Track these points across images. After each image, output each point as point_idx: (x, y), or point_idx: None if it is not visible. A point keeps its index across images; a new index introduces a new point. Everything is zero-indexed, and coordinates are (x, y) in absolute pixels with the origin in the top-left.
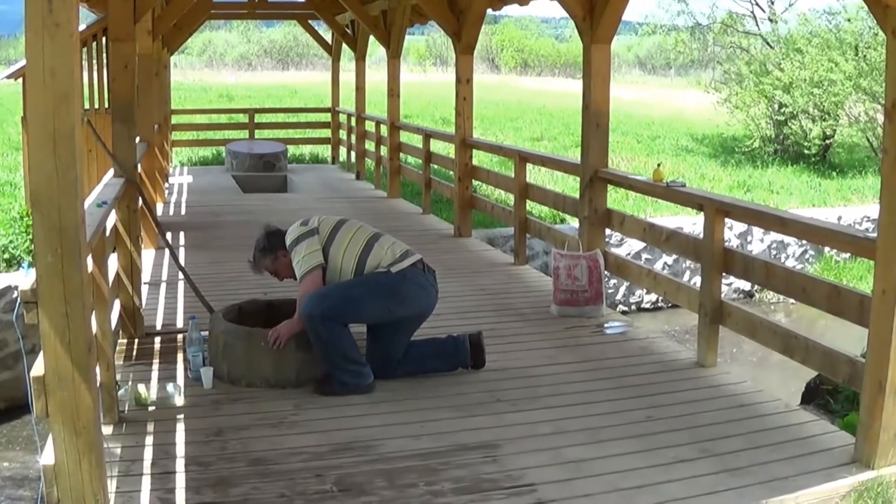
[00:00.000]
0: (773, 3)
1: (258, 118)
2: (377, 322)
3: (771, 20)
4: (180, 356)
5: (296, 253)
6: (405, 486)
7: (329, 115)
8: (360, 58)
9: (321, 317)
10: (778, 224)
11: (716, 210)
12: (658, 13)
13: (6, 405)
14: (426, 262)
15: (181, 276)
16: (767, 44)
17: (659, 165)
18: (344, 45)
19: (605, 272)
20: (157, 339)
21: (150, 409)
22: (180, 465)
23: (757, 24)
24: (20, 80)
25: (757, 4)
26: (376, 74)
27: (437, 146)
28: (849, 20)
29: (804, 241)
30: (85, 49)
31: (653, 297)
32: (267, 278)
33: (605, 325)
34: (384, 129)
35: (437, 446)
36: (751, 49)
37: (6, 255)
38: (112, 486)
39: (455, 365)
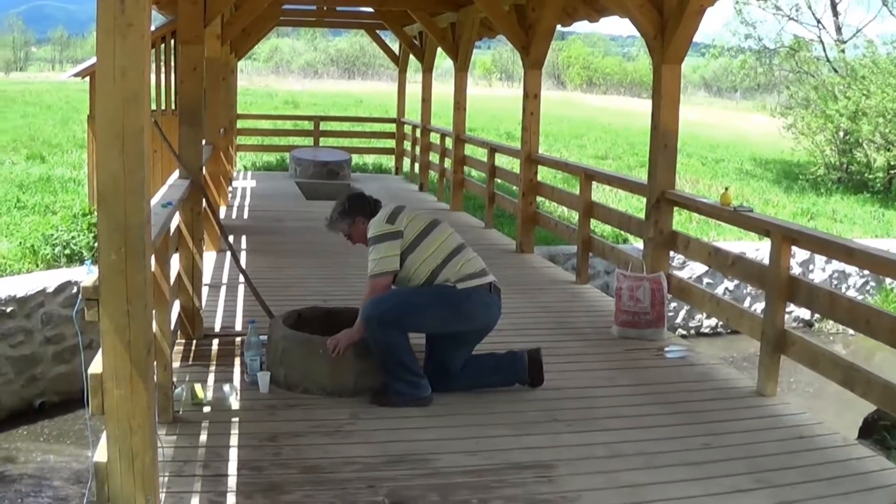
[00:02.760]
0: (840, 29)
1: (323, 126)
2: (435, 333)
3: (838, 43)
4: (237, 359)
5: (374, 249)
6: (458, 502)
7: (394, 125)
8: (428, 69)
9: (379, 320)
10: (844, 254)
11: (783, 237)
12: (725, 35)
13: (60, 398)
14: (494, 284)
15: (242, 279)
16: (834, 70)
17: (727, 189)
18: (411, 56)
19: (668, 295)
20: (215, 342)
21: (205, 409)
22: (232, 468)
23: (824, 50)
24: (87, 78)
25: (824, 29)
26: (442, 87)
27: (500, 160)
28: None
29: (866, 272)
30: (154, 50)
31: (712, 321)
32: (328, 284)
33: (666, 350)
34: (449, 142)
35: (491, 463)
36: (817, 74)
37: (67, 251)
38: (163, 486)
39: (512, 380)
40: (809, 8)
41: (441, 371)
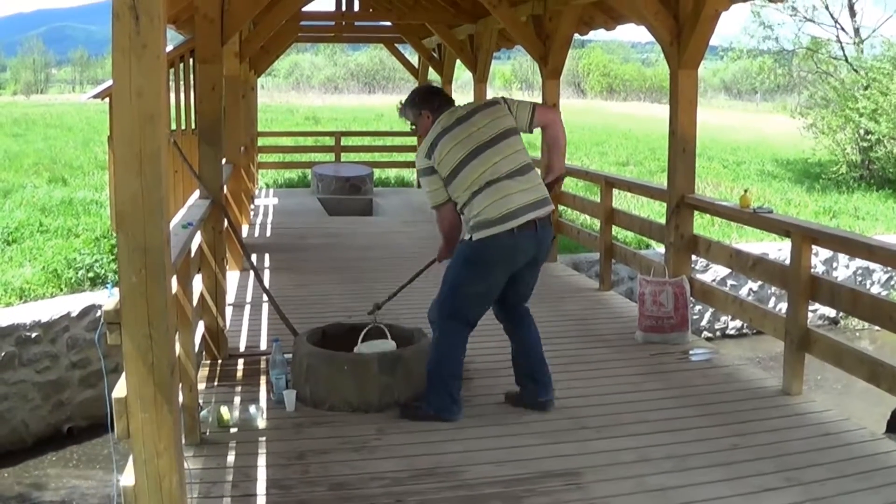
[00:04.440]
0: (857, 29)
1: (344, 141)
2: (491, 294)
3: (856, 43)
4: (263, 378)
5: (422, 182)
6: None
7: (415, 138)
8: (447, 82)
9: (439, 314)
10: (865, 251)
11: (803, 237)
12: (743, 39)
13: (88, 423)
14: (525, 223)
15: (265, 298)
16: (853, 69)
17: (746, 191)
18: (430, 69)
19: (691, 298)
20: (241, 361)
21: (232, 430)
22: (261, 487)
23: (842, 49)
24: (107, 99)
25: (842, 29)
26: (462, 98)
27: None
28: None
29: (890, 268)
30: (172, 70)
31: (738, 323)
32: (352, 300)
33: (691, 352)
34: None
35: (520, 473)
36: (836, 74)
37: (91, 274)
38: None
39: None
40: (826, 8)
41: (511, 305)
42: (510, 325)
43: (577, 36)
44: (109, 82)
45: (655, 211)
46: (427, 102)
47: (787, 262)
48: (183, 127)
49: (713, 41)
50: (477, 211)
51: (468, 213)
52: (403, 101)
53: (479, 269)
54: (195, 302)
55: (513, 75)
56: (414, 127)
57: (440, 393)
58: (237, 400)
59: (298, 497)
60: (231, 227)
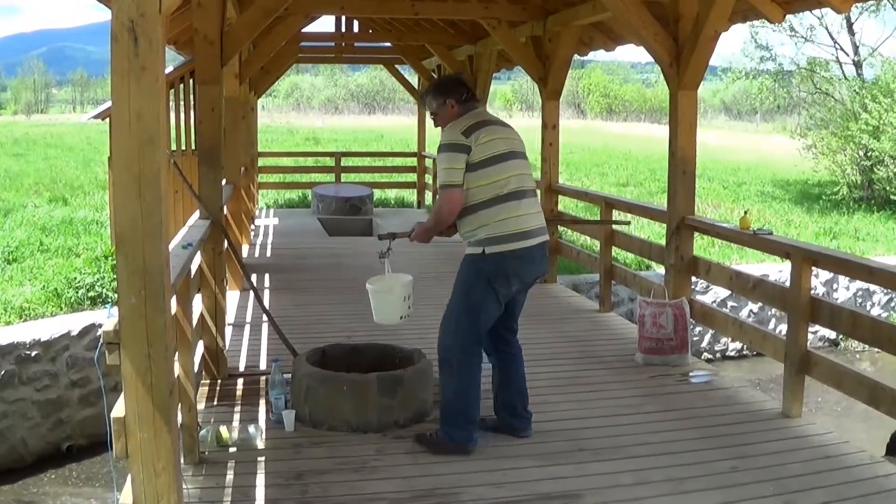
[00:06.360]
0: (857, 48)
1: (344, 161)
2: (502, 308)
3: (856, 64)
4: (262, 398)
5: (440, 158)
6: None
7: (415, 158)
8: None
9: (465, 344)
10: (865, 273)
11: (802, 258)
12: (742, 60)
13: (88, 441)
14: (532, 247)
15: (265, 318)
16: (855, 91)
17: (746, 213)
18: None
19: (691, 320)
20: (240, 381)
21: (231, 450)
22: None
23: (841, 69)
24: (107, 119)
25: (841, 49)
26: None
27: None
28: None
29: (890, 290)
30: (172, 91)
31: (738, 345)
32: (352, 321)
33: (691, 374)
34: None
35: (518, 495)
36: (835, 94)
37: (91, 294)
38: None
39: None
40: (826, 28)
41: (498, 339)
42: (500, 357)
43: (576, 56)
44: (109, 103)
45: (655, 232)
46: (454, 92)
47: (787, 283)
48: (183, 147)
49: (713, 61)
50: (493, 221)
51: (481, 218)
52: (427, 88)
53: (500, 283)
54: (195, 322)
55: (513, 96)
56: (434, 116)
57: (462, 425)
58: (236, 420)
59: None
60: (231, 247)
